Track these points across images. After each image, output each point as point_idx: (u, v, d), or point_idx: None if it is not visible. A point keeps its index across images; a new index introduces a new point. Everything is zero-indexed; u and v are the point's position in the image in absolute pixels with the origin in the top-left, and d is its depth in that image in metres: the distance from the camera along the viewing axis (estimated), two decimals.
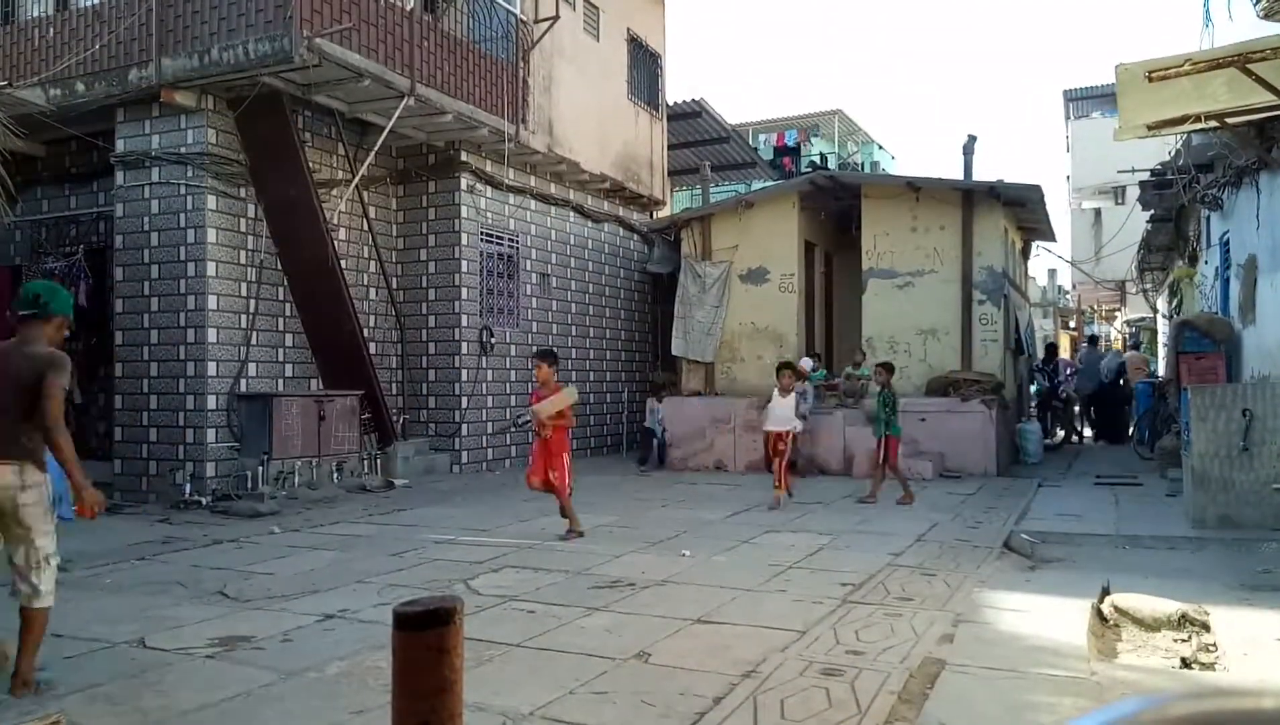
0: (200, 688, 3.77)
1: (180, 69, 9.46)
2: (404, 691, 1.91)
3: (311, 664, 4.03)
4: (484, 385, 12.63)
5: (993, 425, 11.75)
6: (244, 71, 9.31)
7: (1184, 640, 4.57)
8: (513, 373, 13.25)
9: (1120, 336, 27.59)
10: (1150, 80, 7.14)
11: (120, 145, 10.07)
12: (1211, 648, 4.37)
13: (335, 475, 10.53)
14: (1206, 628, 4.63)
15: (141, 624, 4.71)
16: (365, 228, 11.95)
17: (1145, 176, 13.23)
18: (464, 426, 12.33)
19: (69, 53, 9.86)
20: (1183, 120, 7.95)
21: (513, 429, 12.70)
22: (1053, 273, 33.73)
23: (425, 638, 1.90)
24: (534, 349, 13.70)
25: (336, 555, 6.68)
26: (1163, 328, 20.08)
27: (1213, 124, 8.14)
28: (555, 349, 14.06)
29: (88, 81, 9.85)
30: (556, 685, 3.70)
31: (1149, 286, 20.35)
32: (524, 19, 12.57)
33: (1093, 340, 18.45)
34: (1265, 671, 3.93)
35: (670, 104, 17.52)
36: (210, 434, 9.65)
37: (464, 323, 12.31)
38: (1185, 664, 4.21)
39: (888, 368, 9.70)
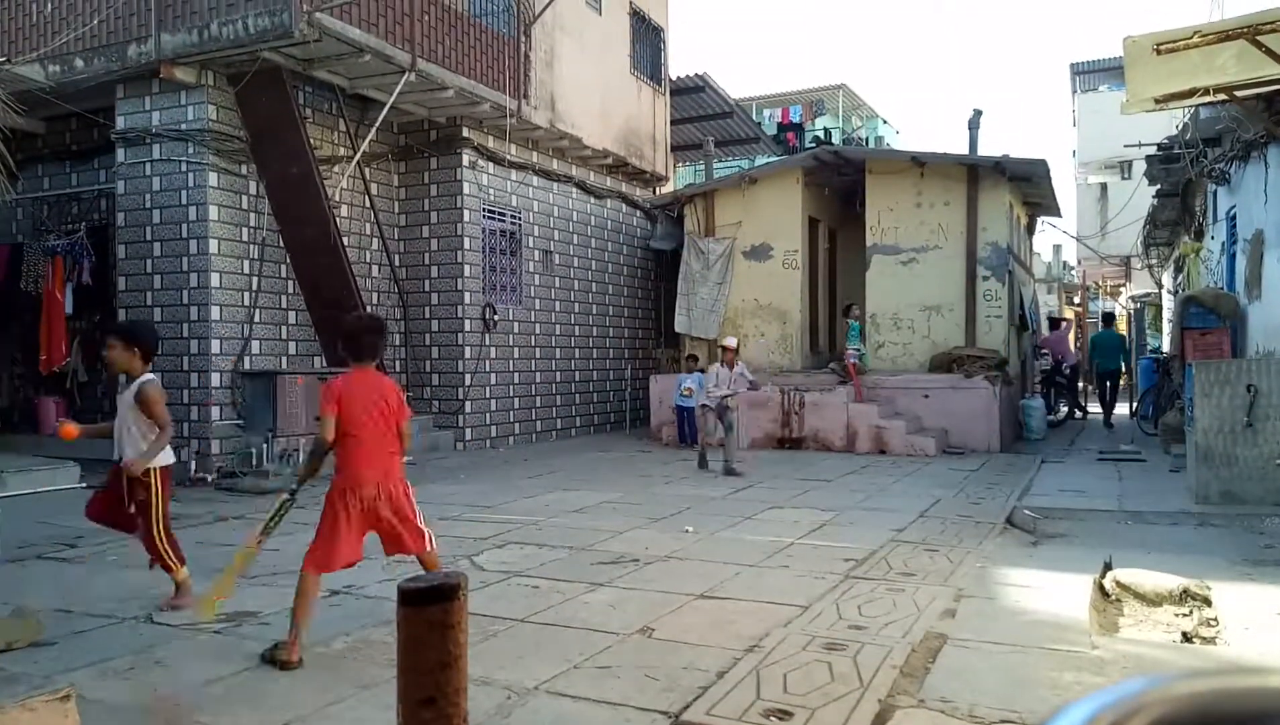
0: (208, 662, 3.80)
1: (180, 44, 9.39)
2: (409, 666, 1.93)
3: (317, 639, 4.05)
4: (487, 362, 12.63)
5: (996, 401, 11.74)
6: (244, 47, 9.24)
7: (1185, 615, 4.59)
8: (516, 350, 13.25)
9: (1126, 312, 27.42)
10: (1158, 53, 7.09)
11: (120, 122, 10.02)
12: (1213, 622, 4.39)
13: None
14: (1208, 602, 4.64)
15: (148, 600, 4.74)
16: (367, 205, 11.91)
17: (1152, 151, 13.12)
18: (467, 403, 12.35)
19: (67, 28, 9.80)
20: (1191, 93, 7.88)
21: None
22: (1058, 248, 33.59)
23: (430, 613, 1.91)
24: (536, 326, 13.72)
25: None
26: (1168, 303, 19.98)
27: (1221, 97, 8.06)
28: (559, 326, 14.21)
29: (86, 57, 9.78)
30: (560, 660, 3.73)
31: (1154, 262, 20.23)
32: None
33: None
34: (1266, 646, 3.94)
35: (673, 79, 17.38)
36: (215, 412, 9.68)
37: (467, 300, 12.29)
38: (1186, 638, 4.23)
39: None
